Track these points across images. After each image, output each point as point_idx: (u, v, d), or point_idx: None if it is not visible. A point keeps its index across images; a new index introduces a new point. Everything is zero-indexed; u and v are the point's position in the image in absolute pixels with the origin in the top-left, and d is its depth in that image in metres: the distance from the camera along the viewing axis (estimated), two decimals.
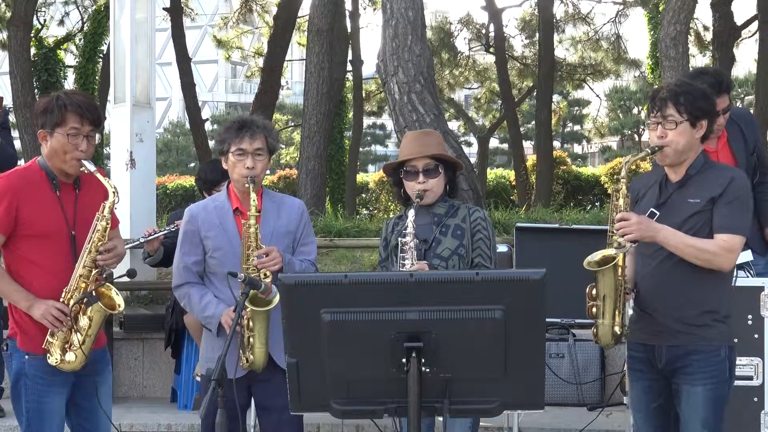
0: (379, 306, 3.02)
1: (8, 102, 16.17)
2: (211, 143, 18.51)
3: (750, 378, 5.20)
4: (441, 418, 3.14)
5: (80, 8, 22.00)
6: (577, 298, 7.41)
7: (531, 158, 23.73)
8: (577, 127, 44.74)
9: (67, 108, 3.97)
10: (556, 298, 7.01)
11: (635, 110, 41.24)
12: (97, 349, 4.13)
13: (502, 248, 6.90)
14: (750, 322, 5.18)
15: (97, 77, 19.85)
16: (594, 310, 4.00)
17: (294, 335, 3.09)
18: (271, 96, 17.42)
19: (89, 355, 4.00)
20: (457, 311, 3.00)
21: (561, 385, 6.94)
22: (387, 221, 4.63)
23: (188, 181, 26.30)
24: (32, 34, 17.48)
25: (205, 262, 4.32)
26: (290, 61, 26.58)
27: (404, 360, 3.01)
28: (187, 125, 24.75)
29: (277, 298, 3.95)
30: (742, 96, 33.27)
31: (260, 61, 22.15)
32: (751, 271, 5.32)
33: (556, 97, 28.81)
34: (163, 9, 17.98)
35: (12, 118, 12.99)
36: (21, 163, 8.21)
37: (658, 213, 3.99)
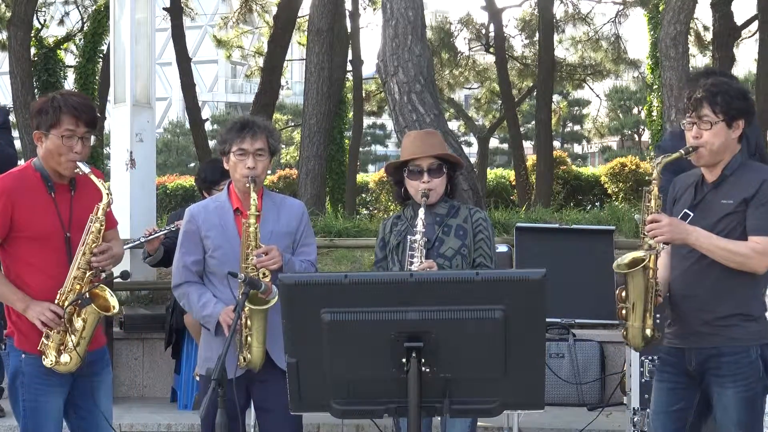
0: (379, 306, 3.02)
1: (8, 102, 16.20)
2: (211, 143, 18.52)
3: None
4: (440, 418, 3.14)
5: (80, 8, 22.00)
6: (577, 298, 7.49)
7: (531, 158, 23.73)
8: (577, 127, 44.73)
9: (62, 109, 3.97)
10: (556, 298, 7.04)
11: (635, 110, 41.23)
12: (96, 350, 4.14)
13: (502, 248, 6.89)
14: None
15: (97, 77, 19.84)
16: (624, 312, 3.93)
17: (294, 335, 3.09)
18: (271, 96, 17.43)
19: (85, 357, 4.00)
20: (457, 311, 3.00)
21: (561, 385, 6.94)
22: (384, 221, 4.64)
23: (188, 181, 26.28)
24: (32, 34, 17.47)
25: (204, 262, 4.33)
26: (290, 61, 26.60)
27: (404, 360, 3.01)
28: (187, 125, 24.76)
29: (276, 297, 3.96)
30: None
31: (260, 61, 22.16)
32: None
33: (556, 97, 28.82)
34: (163, 9, 17.99)
35: (12, 118, 12.98)
36: (21, 163, 8.21)
37: (691, 214, 3.94)
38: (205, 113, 38.00)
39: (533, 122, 27.36)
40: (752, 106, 3.99)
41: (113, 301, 4.01)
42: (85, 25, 20.84)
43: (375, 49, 9.00)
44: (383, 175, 25.08)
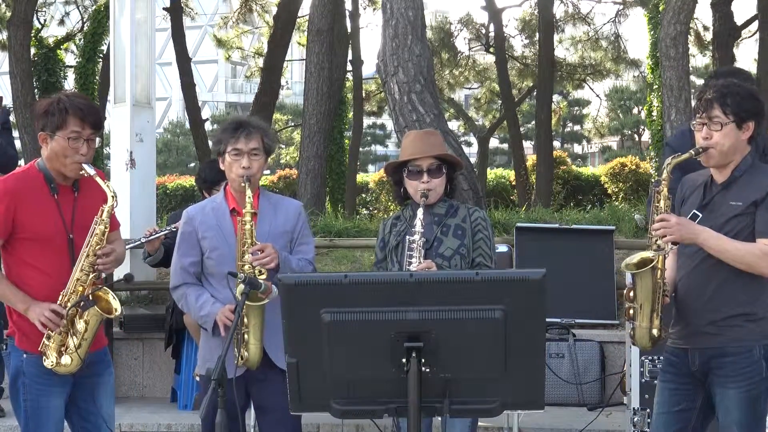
0: (379, 306, 3.02)
1: (8, 102, 16.18)
2: (211, 143, 18.50)
3: None
4: (440, 418, 3.14)
5: (80, 8, 21.98)
6: (577, 298, 7.49)
7: (531, 158, 23.72)
8: (577, 127, 44.73)
9: (69, 111, 3.97)
10: (556, 298, 7.04)
11: (635, 110, 41.23)
12: (98, 351, 4.14)
13: (502, 248, 6.90)
14: None
15: (97, 77, 19.82)
16: (631, 312, 3.94)
17: (294, 335, 3.09)
18: (271, 96, 17.42)
19: (86, 358, 4.00)
20: (457, 311, 3.00)
21: (561, 385, 6.94)
22: (384, 221, 4.64)
23: (188, 181, 26.27)
24: (32, 34, 17.46)
25: (202, 263, 4.34)
26: (290, 61, 26.59)
27: (404, 360, 3.01)
28: (187, 125, 24.76)
29: (273, 294, 3.97)
30: None
31: (260, 61, 22.15)
32: None
33: (556, 97, 28.79)
34: (163, 9, 18.00)
35: (12, 118, 12.98)
36: (21, 163, 8.21)
37: (700, 215, 3.94)
38: (205, 113, 38.00)
39: (533, 122, 27.36)
40: (763, 108, 3.97)
41: (115, 304, 4.01)
42: (85, 25, 20.82)
43: (375, 49, 9.01)
44: (383, 175, 25.00)
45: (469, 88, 30.61)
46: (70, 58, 21.27)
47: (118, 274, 5.04)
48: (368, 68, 25.52)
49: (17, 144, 12.34)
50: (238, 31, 23.70)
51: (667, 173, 3.95)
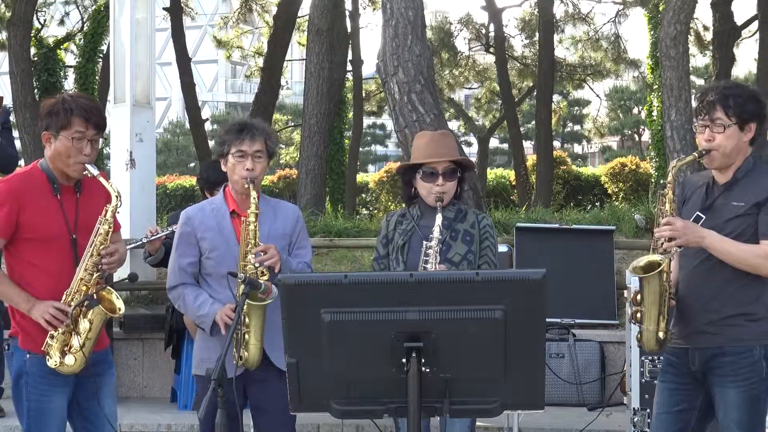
0: (379, 306, 3.02)
1: (8, 102, 16.17)
2: (211, 143, 18.49)
3: None
4: (439, 418, 3.14)
5: (80, 8, 21.98)
6: (577, 298, 7.49)
7: (531, 158, 23.72)
8: (577, 127, 44.70)
9: (73, 112, 3.98)
10: (556, 298, 7.05)
11: (635, 110, 41.22)
12: (100, 351, 4.14)
13: (502, 248, 6.89)
14: None
15: (97, 77, 19.82)
16: (638, 315, 3.94)
17: (294, 335, 3.09)
18: (271, 96, 17.42)
19: (90, 358, 4.00)
20: (457, 311, 3.00)
21: (561, 385, 6.94)
22: (388, 217, 4.63)
23: (188, 181, 26.28)
24: (32, 34, 17.46)
25: (200, 264, 4.35)
26: (290, 61, 26.57)
27: (404, 360, 3.01)
28: (187, 125, 24.74)
29: (274, 295, 3.98)
30: None
31: (260, 61, 22.14)
32: None
33: (556, 97, 28.79)
34: (163, 9, 17.99)
35: (12, 118, 12.99)
36: (21, 163, 8.21)
37: (703, 217, 3.94)
38: (205, 113, 38.01)
39: (533, 122, 27.34)
40: (764, 109, 3.98)
41: (119, 303, 4.03)
42: (85, 25, 20.82)
43: (375, 49, 9.01)
44: (383, 175, 25.15)
45: (469, 88, 30.61)
46: (70, 58, 21.27)
47: (119, 275, 5.03)
48: (368, 68, 25.55)
49: (17, 144, 12.34)
50: (238, 31, 23.69)
51: (673, 176, 3.96)
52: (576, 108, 42.94)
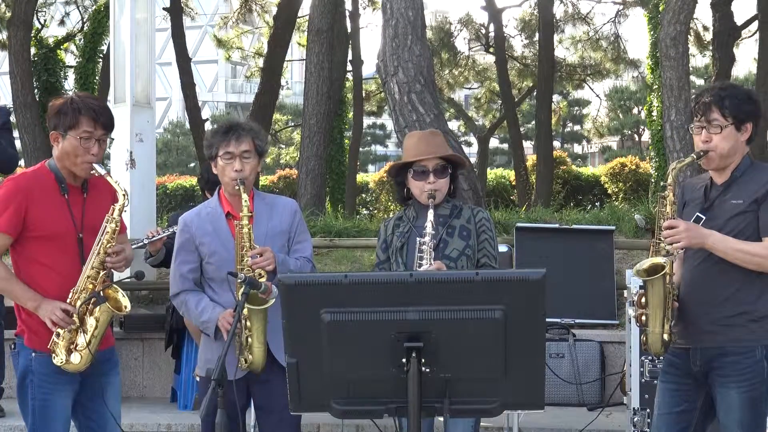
0: (379, 306, 3.02)
1: (8, 102, 16.18)
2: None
3: None
4: (441, 418, 3.14)
5: (80, 8, 21.99)
6: (577, 298, 7.49)
7: (531, 158, 23.73)
8: (577, 127, 44.72)
9: (81, 111, 4.00)
10: (556, 298, 7.05)
11: (635, 110, 41.22)
12: (105, 350, 4.15)
13: (502, 248, 6.89)
14: None
15: (97, 77, 19.82)
16: (643, 318, 3.93)
17: (294, 335, 3.09)
18: (271, 96, 17.43)
19: (95, 356, 4.01)
20: (457, 311, 3.00)
21: (561, 385, 6.94)
22: (385, 222, 4.62)
23: (188, 181, 26.30)
24: (32, 34, 17.45)
25: (201, 269, 4.34)
26: (290, 61, 26.59)
27: (404, 360, 3.01)
28: (187, 125, 24.77)
29: (275, 297, 3.97)
30: None
31: (260, 61, 22.16)
32: None
33: (556, 97, 28.80)
34: (163, 9, 17.98)
35: (12, 118, 12.98)
36: (21, 163, 8.21)
37: (704, 217, 3.94)
38: (205, 113, 38.00)
39: (533, 122, 27.37)
40: (760, 109, 3.99)
41: (125, 301, 4.04)
42: (85, 25, 20.82)
43: (375, 49, 9.01)
44: (383, 175, 25.12)
45: (469, 88, 30.61)
46: (70, 58, 21.28)
47: (119, 275, 5.04)
48: (368, 68, 25.54)
49: (17, 144, 12.34)
50: (238, 31, 23.70)
51: (673, 178, 3.96)
52: (576, 108, 42.96)
